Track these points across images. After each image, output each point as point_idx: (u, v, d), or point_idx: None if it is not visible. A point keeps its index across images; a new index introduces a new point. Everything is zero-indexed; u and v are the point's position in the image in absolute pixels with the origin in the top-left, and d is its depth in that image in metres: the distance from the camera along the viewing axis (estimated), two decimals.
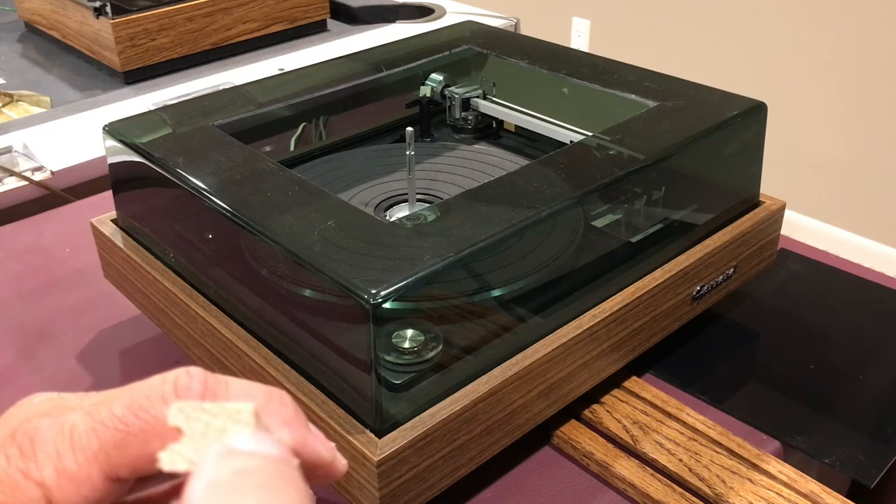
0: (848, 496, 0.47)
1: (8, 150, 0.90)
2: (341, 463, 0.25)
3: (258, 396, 0.23)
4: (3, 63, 1.22)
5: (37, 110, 1.05)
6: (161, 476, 0.23)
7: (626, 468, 0.48)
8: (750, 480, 0.47)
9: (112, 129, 0.55)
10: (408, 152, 0.55)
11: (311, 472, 0.24)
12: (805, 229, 2.08)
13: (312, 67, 0.66)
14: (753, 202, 0.59)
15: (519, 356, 0.45)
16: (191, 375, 0.23)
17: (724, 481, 0.47)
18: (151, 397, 0.22)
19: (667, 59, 2.28)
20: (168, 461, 0.21)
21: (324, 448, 0.24)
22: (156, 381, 0.23)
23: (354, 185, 0.59)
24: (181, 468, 0.21)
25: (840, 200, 2.04)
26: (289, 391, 0.43)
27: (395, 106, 0.68)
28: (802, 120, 2.04)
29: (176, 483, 0.24)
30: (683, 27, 2.24)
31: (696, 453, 0.49)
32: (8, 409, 0.24)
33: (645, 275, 0.51)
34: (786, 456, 0.51)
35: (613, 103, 0.58)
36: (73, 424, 0.22)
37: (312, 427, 0.24)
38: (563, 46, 0.67)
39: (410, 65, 0.66)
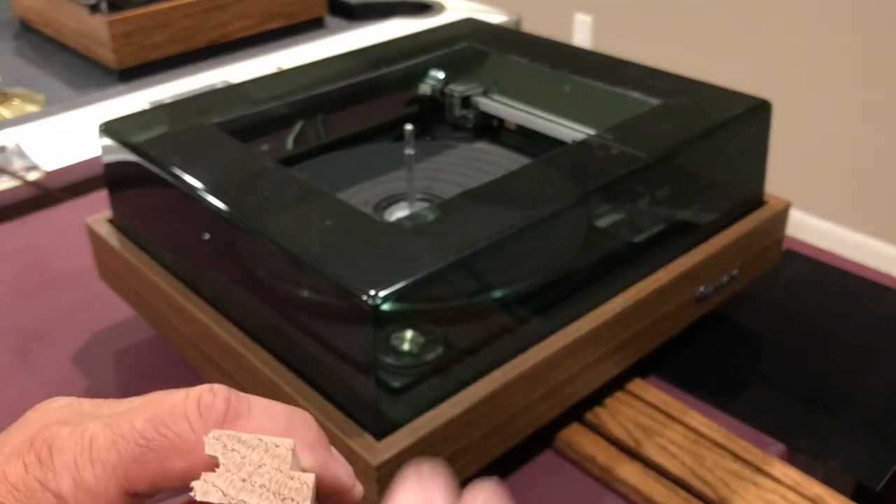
0: (853, 499, 0.46)
1: (1, 149, 0.89)
2: (359, 489, 0.25)
3: (281, 417, 0.23)
4: None
5: (31, 108, 1.04)
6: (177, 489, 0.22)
7: (630, 472, 0.48)
8: (754, 484, 0.47)
9: (108, 128, 0.54)
10: (407, 151, 0.55)
11: (329, 497, 0.23)
12: (810, 229, 2.08)
13: (310, 65, 0.66)
14: (758, 202, 0.58)
15: (520, 358, 0.44)
16: (214, 393, 0.22)
17: (728, 485, 0.47)
18: (174, 413, 0.22)
19: (670, 57, 2.28)
20: (202, 491, 0.21)
21: (345, 473, 0.24)
22: (179, 396, 0.22)
23: (353, 184, 0.58)
24: (214, 500, 0.21)
25: (846, 200, 2.04)
26: (286, 394, 0.43)
27: (395, 104, 0.67)
28: (807, 118, 2.04)
29: (192, 498, 0.24)
30: (687, 24, 2.24)
31: (700, 456, 0.48)
32: (3, 411, 0.24)
33: (648, 275, 0.50)
34: (790, 459, 0.50)
35: (616, 101, 0.58)
36: (93, 436, 0.22)
37: (334, 451, 0.24)
38: (565, 43, 0.67)
39: (410, 62, 0.65)
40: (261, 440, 0.21)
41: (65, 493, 0.21)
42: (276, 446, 0.21)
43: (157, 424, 0.22)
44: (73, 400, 0.25)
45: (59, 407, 0.24)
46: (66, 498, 0.21)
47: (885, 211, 1.98)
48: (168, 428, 0.22)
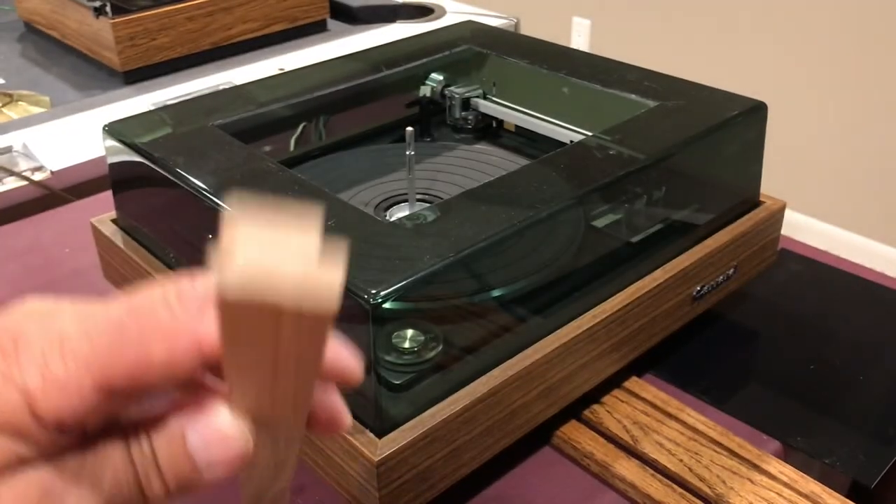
0: (848, 496, 0.47)
1: (7, 149, 0.90)
2: (348, 418, 0.24)
3: None
4: (3, 63, 1.22)
5: (36, 110, 1.05)
6: (160, 394, 0.21)
7: (627, 468, 0.48)
8: (750, 481, 0.47)
9: (112, 129, 0.55)
10: (408, 152, 0.55)
11: (330, 379, 0.23)
12: (805, 229, 2.08)
13: (312, 67, 0.66)
14: (754, 202, 0.59)
15: (519, 356, 0.45)
16: (194, 284, 0.21)
17: (724, 482, 0.47)
18: (153, 299, 0.20)
19: (667, 59, 2.28)
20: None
21: (346, 352, 0.23)
22: (156, 286, 0.21)
23: (354, 185, 0.59)
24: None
25: (840, 200, 2.04)
26: None
27: (395, 106, 0.68)
28: (803, 120, 2.04)
29: (176, 400, 0.22)
30: (684, 27, 2.24)
31: (697, 453, 0.49)
32: None
33: (645, 275, 0.51)
34: (786, 456, 0.51)
35: (613, 103, 0.58)
36: (63, 327, 0.20)
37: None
38: (563, 46, 0.67)
39: (410, 64, 0.66)
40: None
41: (31, 387, 0.20)
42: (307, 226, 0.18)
43: (134, 312, 0.20)
44: (49, 299, 0.22)
45: (31, 305, 0.22)
46: (33, 392, 0.20)
47: (879, 211, 1.98)
48: (146, 315, 0.20)
